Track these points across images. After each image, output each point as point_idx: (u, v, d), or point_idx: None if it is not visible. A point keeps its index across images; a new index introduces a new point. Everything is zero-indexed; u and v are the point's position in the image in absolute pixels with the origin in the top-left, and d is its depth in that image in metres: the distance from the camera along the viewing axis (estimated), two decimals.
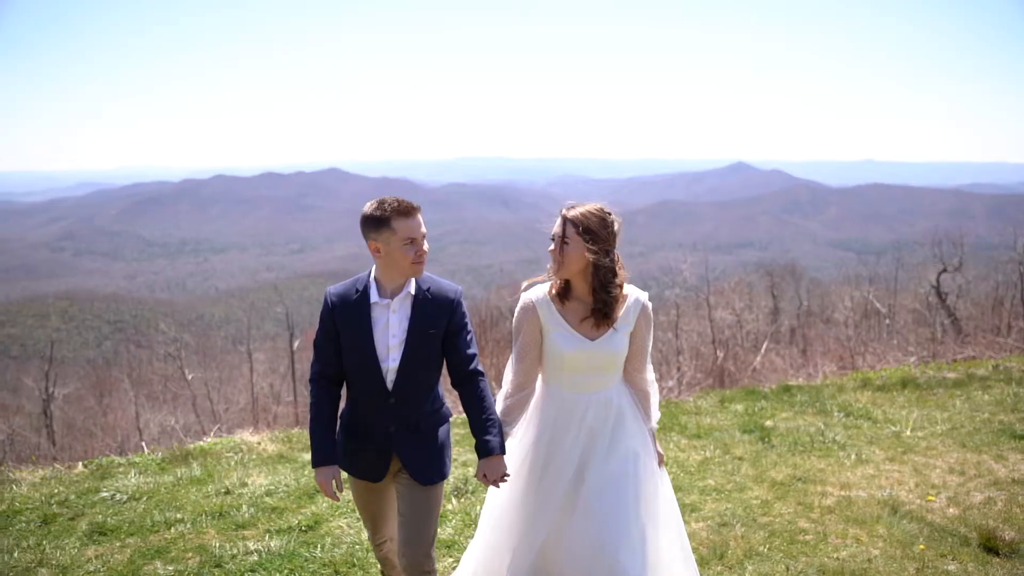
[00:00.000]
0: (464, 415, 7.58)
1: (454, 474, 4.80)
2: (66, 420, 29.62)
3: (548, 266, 2.75)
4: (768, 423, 6.06)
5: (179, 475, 5.06)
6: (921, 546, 3.80)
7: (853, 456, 5.18)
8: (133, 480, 4.99)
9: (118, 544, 3.94)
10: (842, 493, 4.51)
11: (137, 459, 5.61)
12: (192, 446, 5.91)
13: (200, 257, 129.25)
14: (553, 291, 2.75)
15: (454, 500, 4.48)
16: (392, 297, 2.64)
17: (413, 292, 2.64)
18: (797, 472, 4.87)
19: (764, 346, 24.94)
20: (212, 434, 7.41)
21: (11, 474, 5.25)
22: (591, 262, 2.63)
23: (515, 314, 2.80)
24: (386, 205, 2.55)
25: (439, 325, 2.64)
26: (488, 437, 2.62)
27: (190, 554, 3.80)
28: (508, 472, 2.65)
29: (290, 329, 31.66)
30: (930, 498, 4.43)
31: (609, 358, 2.71)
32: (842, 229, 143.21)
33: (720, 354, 25.15)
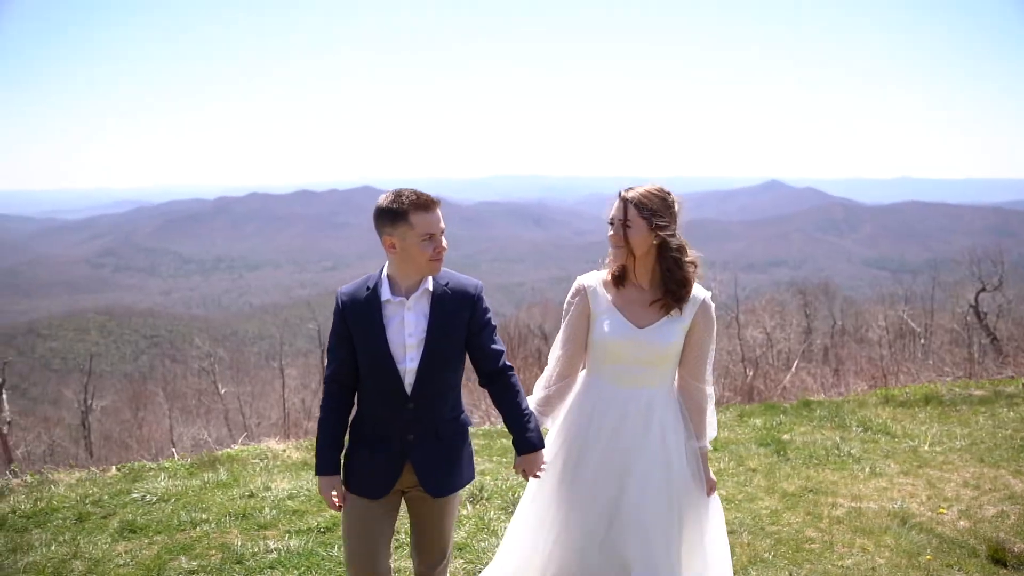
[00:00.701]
0: (481, 426, 7.70)
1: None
2: (103, 431, 30.34)
3: (606, 258, 2.62)
4: (785, 437, 6.08)
5: (206, 479, 5.26)
6: (928, 556, 3.82)
7: (867, 469, 5.19)
8: (163, 483, 5.20)
9: (146, 541, 4.14)
10: (852, 504, 4.53)
11: (167, 464, 5.82)
12: (220, 452, 6.12)
13: (235, 274, 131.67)
14: (608, 276, 2.61)
15: (469, 506, 4.60)
16: (407, 295, 2.46)
17: (431, 288, 2.47)
18: (809, 484, 4.90)
19: (795, 365, 24.68)
20: (240, 441, 7.64)
21: (50, 475, 5.50)
22: (656, 244, 2.48)
23: (566, 298, 2.65)
24: (403, 198, 2.36)
25: (461, 322, 2.48)
26: (528, 434, 2.51)
27: (213, 551, 3.97)
28: (545, 463, 2.57)
29: (322, 345, 32.13)
30: (941, 510, 4.44)
31: (656, 351, 2.50)
32: (878, 247, 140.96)
33: (750, 372, 24.97)
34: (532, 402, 2.69)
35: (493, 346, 2.54)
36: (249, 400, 32.45)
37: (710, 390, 2.63)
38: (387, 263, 2.51)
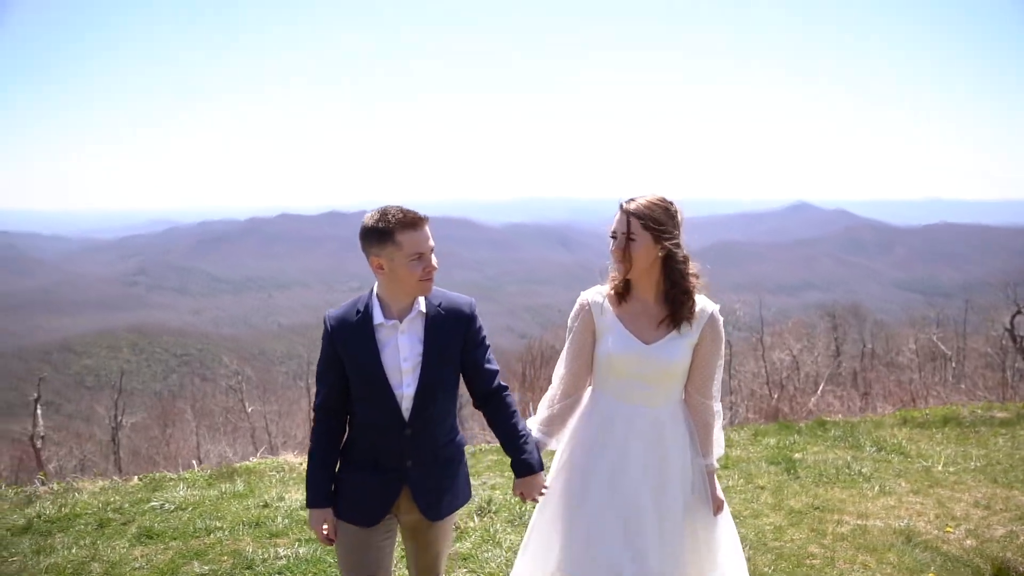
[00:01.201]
0: (494, 443, 7.75)
1: (479, 495, 5.00)
2: (132, 447, 30.87)
3: (610, 272, 2.53)
4: (797, 455, 6.07)
5: (223, 489, 5.40)
6: (931, 574, 3.81)
7: (876, 488, 5.17)
8: (181, 493, 5.34)
9: (162, 546, 4.28)
10: (858, 522, 4.53)
11: (187, 475, 5.99)
12: (238, 465, 6.27)
13: (264, 293, 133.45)
14: (611, 291, 2.53)
15: (476, 518, 4.67)
16: (400, 318, 2.38)
17: (424, 310, 2.39)
18: (816, 501, 4.90)
19: (821, 387, 24.39)
20: (258, 455, 7.80)
21: (75, 484, 5.69)
22: (661, 256, 2.41)
23: (570, 315, 2.60)
24: (389, 216, 2.27)
25: (456, 343, 2.42)
26: (524, 456, 2.46)
27: (225, 557, 4.10)
28: (546, 485, 2.52)
29: None
30: (948, 529, 4.41)
31: (663, 367, 2.44)
32: (909, 270, 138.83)
33: (775, 395, 24.71)
34: (535, 422, 2.65)
35: (488, 366, 2.48)
36: (275, 419, 32.81)
37: (718, 407, 2.56)
38: (376, 284, 2.42)
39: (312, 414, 2.50)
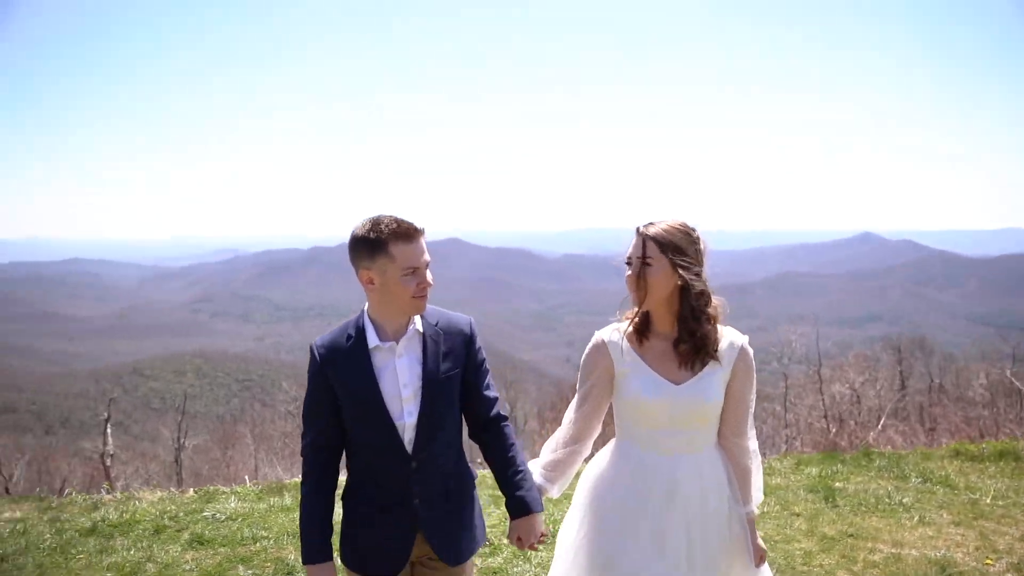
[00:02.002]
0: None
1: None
2: (193, 469, 31.81)
3: (623, 308, 2.34)
4: (838, 484, 6.00)
5: (272, 503, 5.66)
6: None
7: (916, 518, 5.09)
8: (233, 504, 5.63)
9: (212, 552, 4.54)
10: (892, 551, 4.48)
11: (239, 489, 6.28)
12: (288, 481, 6.54)
13: (324, 321, 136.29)
14: (630, 327, 2.29)
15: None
16: (395, 339, 2.17)
17: (421, 329, 2.19)
18: (851, 529, 4.86)
19: (881, 422, 23.60)
20: None
21: (136, 493, 6.05)
22: (679, 286, 2.19)
23: (583, 355, 2.35)
24: (382, 226, 2.07)
25: (457, 364, 2.22)
26: (520, 492, 2.22)
27: (269, 564, 4.33)
28: (544, 533, 2.27)
29: None
30: (988, 562, 4.33)
31: (699, 409, 2.20)
32: (983, 302, 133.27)
33: (833, 429, 24.01)
34: (537, 465, 2.42)
35: (487, 392, 2.29)
36: None
37: (754, 445, 2.36)
38: (367, 304, 2.22)
39: (302, 458, 2.21)
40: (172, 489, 6.41)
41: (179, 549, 4.59)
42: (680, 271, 2.18)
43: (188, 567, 4.30)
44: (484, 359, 2.32)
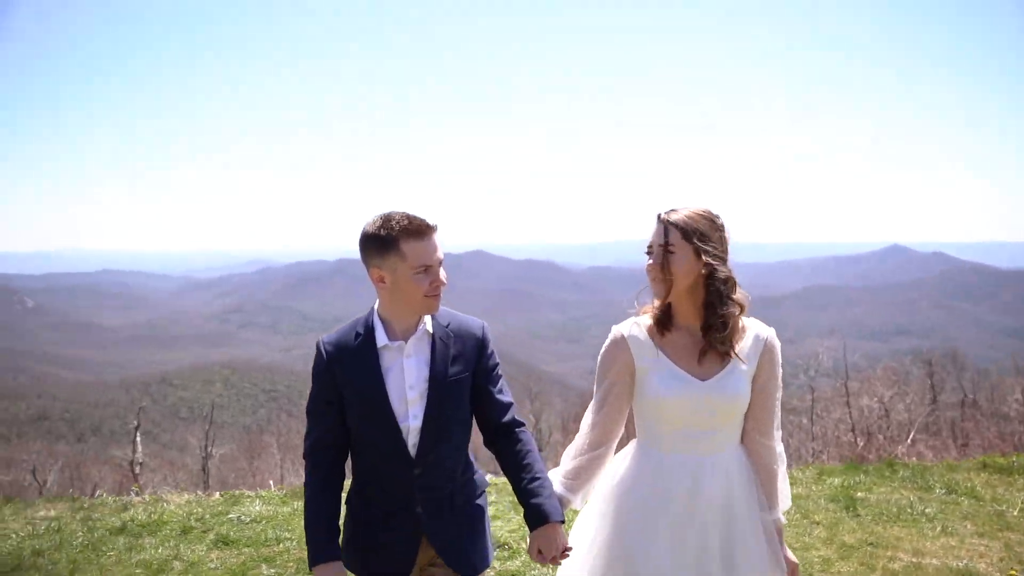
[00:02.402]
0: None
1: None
2: (220, 477, 32.26)
3: (640, 300, 2.23)
4: (860, 495, 5.96)
5: (296, 507, 5.76)
6: None
7: (939, 528, 5.04)
8: (257, 507, 5.74)
9: (236, 552, 4.65)
10: (913, 560, 4.45)
11: (264, 493, 6.40)
12: None
13: None
14: (650, 320, 2.17)
15: (528, 539, 4.83)
16: (404, 339, 2.11)
17: (431, 330, 2.13)
18: (871, 537, 4.83)
19: (910, 436, 23.23)
20: None
21: (164, 496, 6.20)
22: (704, 274, 2.06)
23: (600, 353, 2.21)
24: (393, 222, 2.01)
25: (467, 368, 2.14)
26: (539, 500, 2.08)
27: (292, 563, 4.42)
28: (570, 546, 2.11)
29: None
30: (1012, 573, 4.28)
31: (726, 406, 2.07)
32: (1018, 315, 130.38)
33: (861, 443, 23.67)
34: (558, 474, 2.28)
35: (500, 396, 2.20)
36: None
37: (780, 447, 2.20)
38: (377, 303, 2.17)
39: (304, 460, 2.17)
40: (198, 492, 6.56)
41: (205, 549, 4.70)
42: (705, 257, 2.05)
43: (213, 565, 4.41)
44: (497, 364, 2.23)
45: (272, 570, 4.33)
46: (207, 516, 5.47)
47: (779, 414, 2.20)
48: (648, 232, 2.16)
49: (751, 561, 2.08)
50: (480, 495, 2.26)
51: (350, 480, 2.24)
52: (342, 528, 2.17)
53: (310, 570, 2.07)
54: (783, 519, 2.21)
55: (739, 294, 2.12)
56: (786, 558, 2.17)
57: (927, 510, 5.46)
